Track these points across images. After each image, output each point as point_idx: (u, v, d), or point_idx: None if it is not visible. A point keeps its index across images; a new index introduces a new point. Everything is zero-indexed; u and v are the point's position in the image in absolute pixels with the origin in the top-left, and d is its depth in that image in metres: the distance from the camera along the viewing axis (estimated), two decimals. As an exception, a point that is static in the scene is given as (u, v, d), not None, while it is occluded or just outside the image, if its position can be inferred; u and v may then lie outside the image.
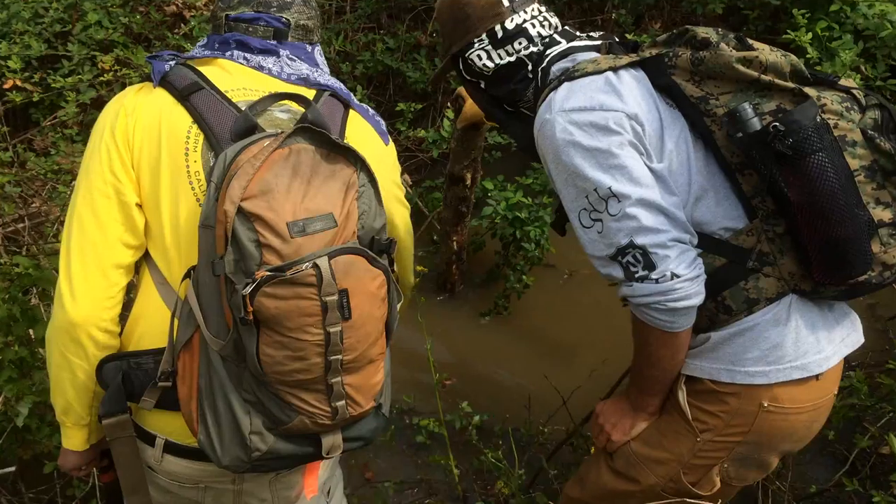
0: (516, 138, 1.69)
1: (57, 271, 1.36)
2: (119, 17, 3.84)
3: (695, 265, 1.37)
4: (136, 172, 1.31)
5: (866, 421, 2.32)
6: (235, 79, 1.40)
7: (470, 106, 2.56)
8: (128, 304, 1.38)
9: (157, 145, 1.30)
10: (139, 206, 1.32)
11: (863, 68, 2.70)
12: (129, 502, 1.40)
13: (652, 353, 1.48)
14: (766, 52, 1.38)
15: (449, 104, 3.17)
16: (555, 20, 1.63)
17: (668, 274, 1.34)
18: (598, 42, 1.59)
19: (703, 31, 1.44)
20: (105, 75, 3.38)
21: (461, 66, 1.64)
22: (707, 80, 1.42)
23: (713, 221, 1.43)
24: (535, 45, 1.57)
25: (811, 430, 1.55)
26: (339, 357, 1.23)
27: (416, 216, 3.51)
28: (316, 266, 1.18)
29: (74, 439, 1.41)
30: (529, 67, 1.57)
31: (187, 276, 1.27)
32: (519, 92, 1.60)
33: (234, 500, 1.48)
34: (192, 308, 1.25)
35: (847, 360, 1.53)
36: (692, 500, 1.56)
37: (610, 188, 1.35)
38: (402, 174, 1.58)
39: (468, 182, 3.04)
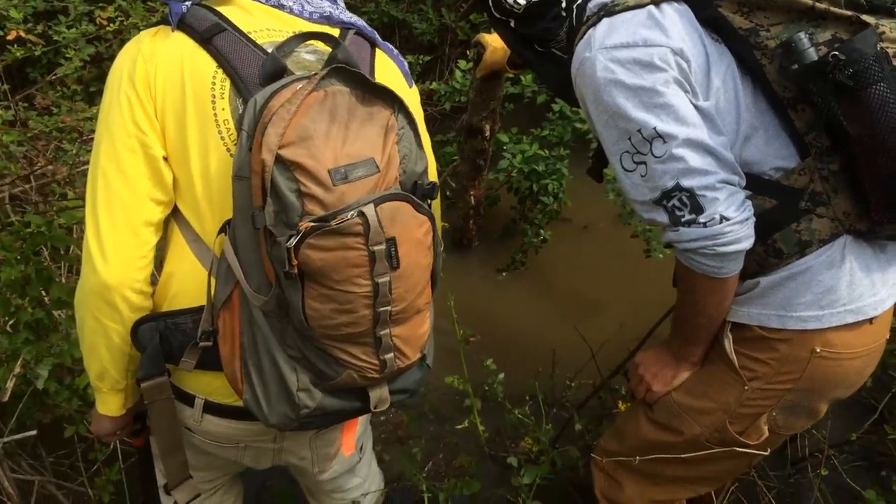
0: (548, 81, 1.61)
1: (68, 229, 1.28)
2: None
3: (744, 207, 1.31)
4: (160, 123, 1.22)
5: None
6: (257, 19, 1.30)
7: (490, 53, 2.46)
8: (157, 265, 1.31)
9: (182, 93, 1.22)
10: (166, 159, 1.23)
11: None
12: (166, 464, 1.36)
13: (699, 300, 1.42)
14: None
15: (468, 52, 3.07)
16: None
17: (717, 217, 1.29)
18: None
19: None
20: (103, 30, 3.27)
21: (490, 3, 1.56)
22: (756, 10, 1.34)
23: (763, 161, 1.37)
24: None
25: (863, 376, 1.51)
26: (388, 308, 1.18)
27: (429, 171, 3.47)
28: (362, 214, 1.12)
29: (111, 404, 1.36)
30: (563, 4, 1.49)
31: (222, 230, 1.21)
32: (552, 31, 1.52)
33: (274, 458, 1.44)
34: (230, 264, 1.18)
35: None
36: (739, 449, 1.53)
37: (655, 128, 1.29)
38: None
39: (486, 134, 2.96)
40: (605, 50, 1.33)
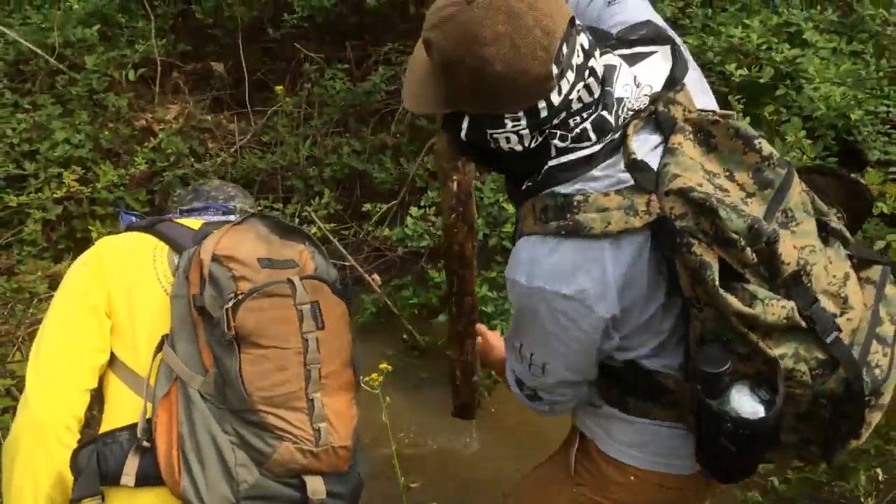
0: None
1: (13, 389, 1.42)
2: (86, 134, 3.91)
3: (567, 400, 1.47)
4: (107, 287, 1.45)
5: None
6: (192, 222, 1.62)
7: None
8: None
9: (128, 261, 1.48)
10: (108, 315, 1.44)
11: (803, 147, 2.76)
12: None
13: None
14: (773, 308, 1.17)
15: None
16: (601, 66, 1.24)
17: (547, 407, 1.47)
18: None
19: (731, 224, 1.15)
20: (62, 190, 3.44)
21: (467, 132, 1.25)
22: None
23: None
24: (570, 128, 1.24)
25: None
26: (318, 366, 1.36)
27: (387, 315, 3.54)
28: (290, 281, 1.38)
29: None
30: (552, 154, 1.25)
31: (159, 347, 1.39)
32: (530, 171, 1.29)
33: None
34: (170, 366, 1.34)
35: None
36: None
37: (544, 365, 1.36)
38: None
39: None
40: (541, 290, 1.26)
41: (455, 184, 2.34)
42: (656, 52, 1.31)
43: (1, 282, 3.03)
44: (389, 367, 2.52)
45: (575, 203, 1.22)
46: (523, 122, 1.20)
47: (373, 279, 3.71)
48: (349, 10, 4.57)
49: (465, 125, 1.24)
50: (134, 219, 1.64)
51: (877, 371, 1.22)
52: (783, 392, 1.17)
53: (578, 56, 1.18)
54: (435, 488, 2.76)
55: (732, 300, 1.15)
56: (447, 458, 2.99)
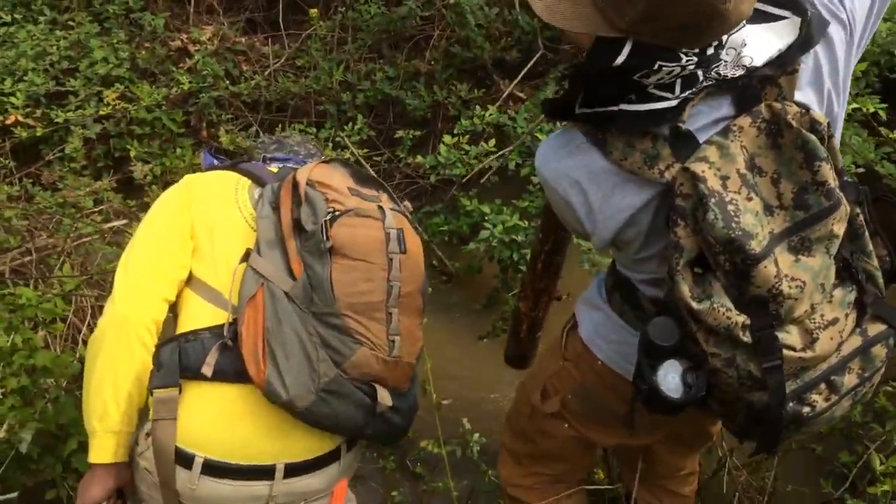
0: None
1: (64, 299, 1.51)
2: (125, 53, 3.94)
3: None
4: (192, 214, 1.58)
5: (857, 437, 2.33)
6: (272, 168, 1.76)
7: None
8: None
9: (212, 193, 1.61)
10: (191, 237, 1.57)
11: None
12: (164, 495, 1.47)
13: None
14: (716, 312, 1.19)
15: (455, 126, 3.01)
16: None
17: None
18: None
19: (712, 228, 1.17)
20: (106, 108, 3.49)
21: (627, 58, 1.15)
22: None
23: None
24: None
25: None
26: (398, 284, 1.48)
27: (416, 241, 3.60)
28: (380, 208, 1.52)
29: (106, 450, 1.47)
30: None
31: (245, 258, 1.50)
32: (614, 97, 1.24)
33: None
34: (256, 270, 1.46)
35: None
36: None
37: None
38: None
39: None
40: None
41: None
42: (786, 18, 1.23)
43: (45, 196, 3.12)
44: (430, 289, 2.59)
45: (608, 116, 1.24)
46: (694, 59, 1.15)
47: (404, 205, 3.75)
48: (385, -69, 4.50)
49: (626, 51, 1.13)
50: (216, 161, 1.81)
51: (806, 409, 1.24)
52: (702, 387, 1.22)
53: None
54: (464, 405, 2.86)
55: (683, 289, 1.19)
56: (476, 380, 3.09)
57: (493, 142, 3.52)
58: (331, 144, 3.86)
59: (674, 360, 1.24)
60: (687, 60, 1.14)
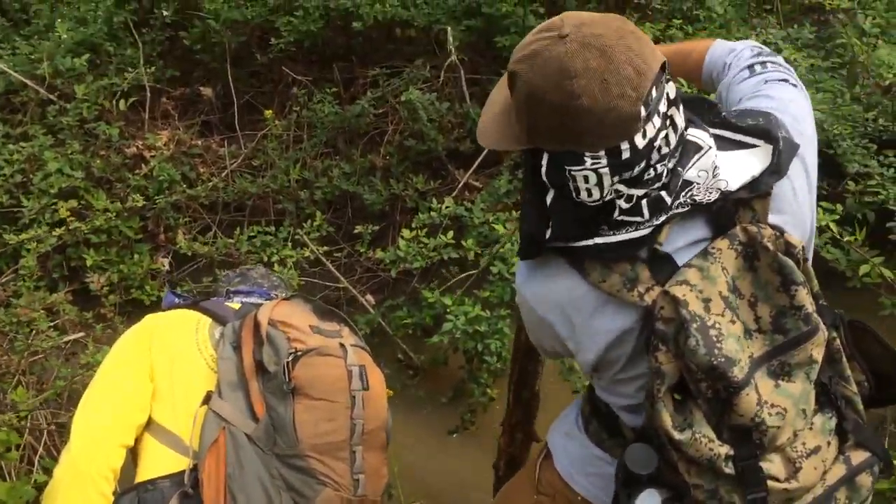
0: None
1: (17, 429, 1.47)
2: (79, 163, 3.94)
3: None
4: (152, 356, 1.57)
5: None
6: (233, 305, 1.77)
7: None
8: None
9: (172, 334, 1.62)
10: (150, 379, 1.56)
11: None
12: None
13: None
14: (699, 444, 1.16)
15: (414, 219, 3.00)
16: (680, 120, 1.20)
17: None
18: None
19: (694, 355, 1.14)
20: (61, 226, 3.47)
21: (547, 169, 1.20)
22: None
23: None
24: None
25: None
26: (362, 421, 1.49)
27: (381, 335, 3.58)
28: (342, 346, 1.54)
29: None
30: (616, 214, 1.20)
31: (206, 400, 1.50)
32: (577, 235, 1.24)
33: None
34: (217, 414, 1.45)
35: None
36: None
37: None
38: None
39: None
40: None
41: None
42: (758, 146, 1.23)
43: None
44: (390, 392, 2.57)
45: (584, 249, 1.23)
46: (604, 161, 1.14)
47: (366, 300, 3.76)
48: (335, 32, 4.63)
49: (544, 162, 1.19)
50: (177, 300, 1.83)
51: None
52: None
53: (664, 104, 1.15)
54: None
55: (665, 417, 1.16)
56: (447, 477, 3.03)
57: (451, 233, 3.56)
58: (290, 243, 3.87)
59: (652, 489, 1.20)
60: (594, 163, 1.14)
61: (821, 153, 1.29)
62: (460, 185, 4.10)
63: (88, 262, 3.70)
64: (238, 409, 1.46)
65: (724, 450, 1.15)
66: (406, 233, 3.60)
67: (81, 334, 3.10)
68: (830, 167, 3.21)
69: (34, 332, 2.96)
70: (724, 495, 1.17)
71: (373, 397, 1.53)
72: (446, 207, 3.67)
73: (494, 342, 3.17)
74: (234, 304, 1.77)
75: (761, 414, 1.13)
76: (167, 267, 3.97)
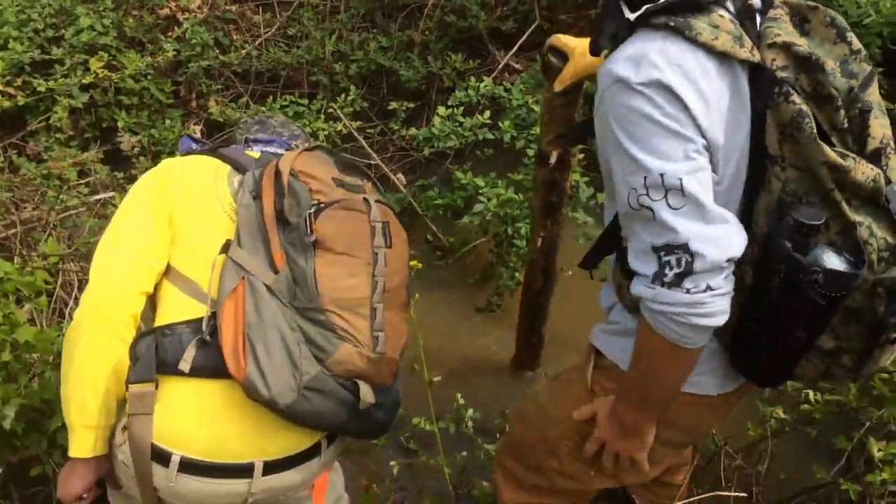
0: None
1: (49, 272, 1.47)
2: (111, 21, 3.84)
3: (729, 278, 1.20)
4: (171, 202, 1.53)
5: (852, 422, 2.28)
6: (252, 154, 1.71)
7: (580, 56, 2.01)
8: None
9: (191, 180, 1.56)
10: (169, 226, 1.52)
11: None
12: (141, 491, 1.44)
13: (658, 370, 1.33)
14: (862, 167, 1.18)
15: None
16: None
17: (703, 285, 1.17)
18: None
19: (833, 80, 1.20)
20: (91, 77, 3.40)
21: None
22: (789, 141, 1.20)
23: None
24: None
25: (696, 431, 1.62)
26: (384, 279, 1.44)
27: (411, 215, 3.54)
28: (366, 200, 1.48)
29: (84, 444, 1.43)
30: None
31: (224, 249, 1.46)
32: None
33: None
34: (236, 263, 1.41)
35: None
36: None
37: (680, 180, 1.16)
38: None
39: (552, 161, 2.41)
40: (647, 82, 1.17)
41: (540, 238, 2.62)
42: None
43: (30, 167, 3.05)
44: (419, 265, 2.55)
45: (691, 4, 1.18)
46: None
47: (398, 178, 3.70)
48: None
49: None
50: (195, 145, 1.76)
51: None
52: (861, 256, 1.17)
53: None
54: (457, 382, 2.82)
55: (827, 149, 1.16)
56: (469, 355, 3.05)
57: (487, 114, 3.45)
58: (323, 116, 3.79)
59: (819, 247, 1.20)
60: None
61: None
62: (500, 67, 3.95)
63: (120, 124, 3.65)
64: (258, 260, 1.42)
65: (878, 170, 1.21)
66: (441, 110, 3.50)
67: (112, 194, 3.09)
68: None
69: (66, 187, 2.95)
70: (875, 230, 1.20)
71: (395, 255, 1.48)
72: (484, 86, 3.54)
73: (525, 226, 3.12)
74: (254, 153, 1.70)
75: (886, 137, 1.22)
76: (198, 134, 3.92)
